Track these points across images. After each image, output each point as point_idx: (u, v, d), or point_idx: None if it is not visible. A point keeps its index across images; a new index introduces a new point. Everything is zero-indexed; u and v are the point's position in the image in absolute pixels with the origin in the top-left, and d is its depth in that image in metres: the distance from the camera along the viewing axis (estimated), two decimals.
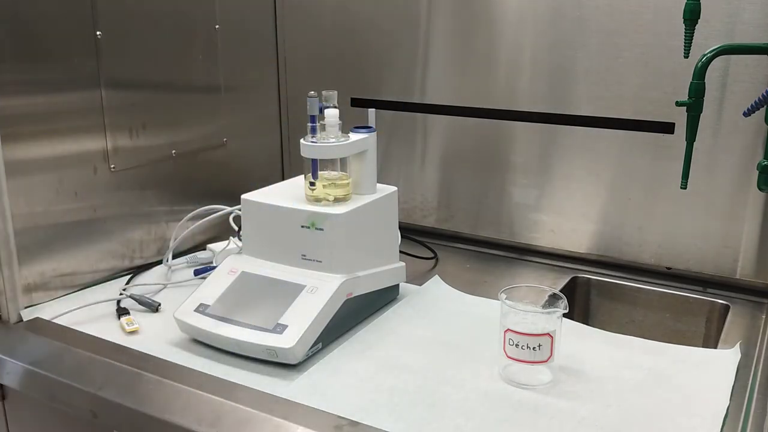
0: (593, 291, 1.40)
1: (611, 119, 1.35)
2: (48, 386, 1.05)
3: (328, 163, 1.14)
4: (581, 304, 1.41)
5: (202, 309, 1.09)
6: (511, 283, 1.05)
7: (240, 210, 1.20)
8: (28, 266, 1.19)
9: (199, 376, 1.00)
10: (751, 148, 1.24)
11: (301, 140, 1.13)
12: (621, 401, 0.94)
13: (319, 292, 1.06)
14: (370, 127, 1.18)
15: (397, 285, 1.25)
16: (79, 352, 1.08)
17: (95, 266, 1.31)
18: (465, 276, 1.39)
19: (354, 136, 1.16)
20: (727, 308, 1.26)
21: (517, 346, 0.96)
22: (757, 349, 1.10)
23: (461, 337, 1.12)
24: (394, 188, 1.22)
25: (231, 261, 1.17)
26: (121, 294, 1.25)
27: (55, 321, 1.17)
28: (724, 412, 0.92)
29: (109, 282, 1.32)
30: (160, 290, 1.30)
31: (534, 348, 0.96)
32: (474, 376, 1.00)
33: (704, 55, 1.10)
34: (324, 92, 1.13)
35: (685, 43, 1.10)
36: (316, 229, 1.10)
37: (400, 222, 1.26)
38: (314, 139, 1.13)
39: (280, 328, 1.02)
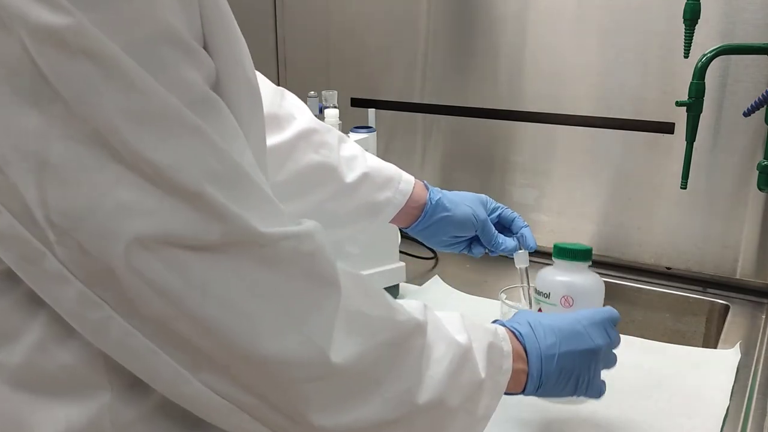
0: None
1: (611, 119, 1.35)
2: None
3: None
4: None
5: None
6: (511, 283, 1.04)
7: None
8: None
9: None
10: (751, 148, 1.24)
11: None
12: (621, 401, 0.94)
13: None
14: (370, 127, 1.18)
15: (397, 285, 1.25)
16: None
17: None
18: (465, 276, 1.39)
19: (354, 136, 1.15)
20: (727, 308, 1.26)
21: None
22: (757, 349, 1.10)
23: None
24: None
25: None
26: None
27: None
28: (724, 412, 0.92)
29: None
30: None
31: None
32: None
33: (704, 55, 1.10)
34: (324, 92, 1.13)
35: (685, 43, 1.10)
36: None
37: None
38: None
39: None
